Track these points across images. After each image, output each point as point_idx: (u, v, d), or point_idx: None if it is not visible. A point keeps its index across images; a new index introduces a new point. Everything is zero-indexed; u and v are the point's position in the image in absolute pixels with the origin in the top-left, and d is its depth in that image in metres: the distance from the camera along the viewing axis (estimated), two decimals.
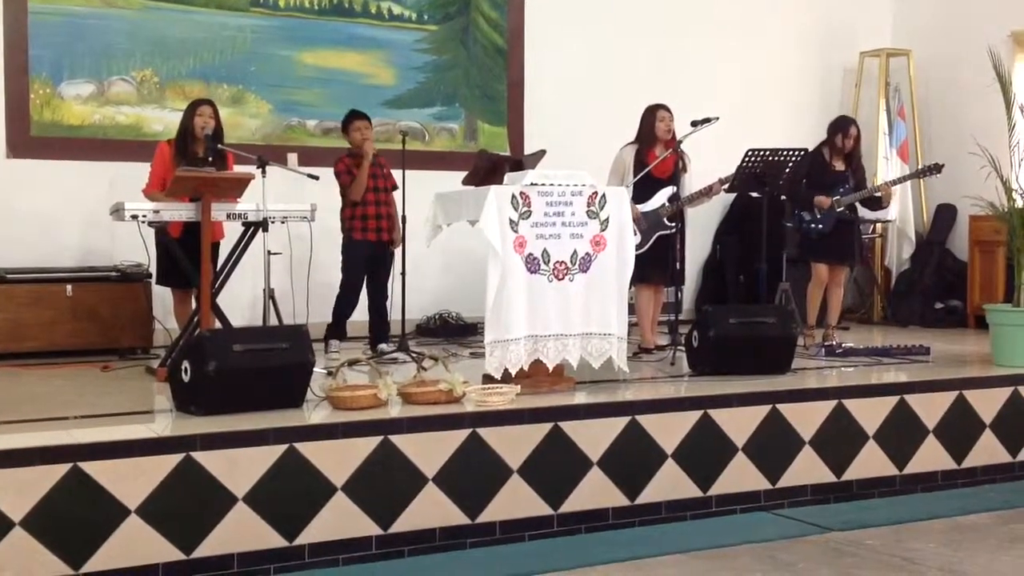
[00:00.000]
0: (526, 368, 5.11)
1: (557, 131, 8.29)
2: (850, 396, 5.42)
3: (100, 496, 3.88)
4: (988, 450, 5.76)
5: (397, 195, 6.96)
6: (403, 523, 4.39)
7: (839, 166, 7.36)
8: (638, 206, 6.65)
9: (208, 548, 4.04)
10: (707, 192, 6.81)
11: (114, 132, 7.54)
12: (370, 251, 6.91)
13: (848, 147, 7.32)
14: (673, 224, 6.71)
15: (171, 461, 4.01)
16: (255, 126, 7.96)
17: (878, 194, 7.30)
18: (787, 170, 6.83)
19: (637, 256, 5.58)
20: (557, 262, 5.19)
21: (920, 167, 8.09)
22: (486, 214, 5.01)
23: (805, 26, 9.98)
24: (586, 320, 5.26)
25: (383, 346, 6.93)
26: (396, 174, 6.95)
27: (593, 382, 5.40)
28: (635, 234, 6.16)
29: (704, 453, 5.03)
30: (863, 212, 7.63)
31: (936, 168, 7.29)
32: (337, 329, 6.95)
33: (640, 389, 5.41)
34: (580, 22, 8.97)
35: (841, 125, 7.38)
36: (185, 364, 4.58)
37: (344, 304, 6.97)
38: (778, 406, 5.22)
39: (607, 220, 5.31)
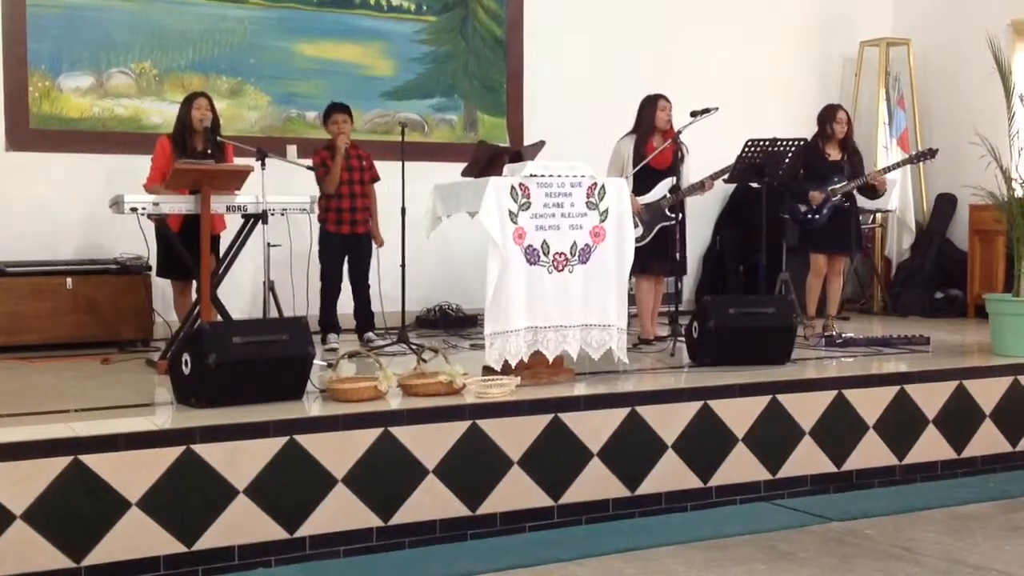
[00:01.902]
0: (526, 360, 5.11)
1: (556, 122, 8.28)
2: (850, 386, 5.43)
3: (101, 489, 3.89)
4: (988, 440, 5.76)
5: (396, 187, 6.94)
6: (404, 515, 4.39)
7: (835, 156, 7.34)
8: (639, 198, 6.64)
9: (209, 540, 4.05)
10: (700, 187, 6.79)
11: (113, 124, 7.53)
12: (344, 242, 6.95)
13: (840, 133, 7.31)
14: (674, 215, 6.71)
15: (172, 454, 4.01)
16: (254, 118, 7.95)
17: (872, 183, 7.30)
18: (787, 160, 6.83)
19: (637, 247, 5.58)
20: (557, 253, 5.19)
21: (914, 152, 8.08)
22: (485, 205, 5.01)
23: (805, 15, 9.96)
24: (586, 311, 5.26)
25: (369, 335, 6.97)
26: (395, 166, 6.92)
27: (593, 373, 5.40)
28: (636, 226, 6.16)
29: (704, 444, 5.03)
30: (862, 202, 7.61)
31: (930, 153, 7.28)
32: (328, 321, 6.97)
33: (640, 380, 5.42)
34: (579, 13, 8.96)
35: (829, 113, 7.38)
36: (185, 356, 4.58)
37: (327, 295, 6.99)
38: (778, 396, 5.22)
39: (606, 211, 5.31)
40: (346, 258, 7.02)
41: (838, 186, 7.19)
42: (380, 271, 7.08)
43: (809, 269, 7.41)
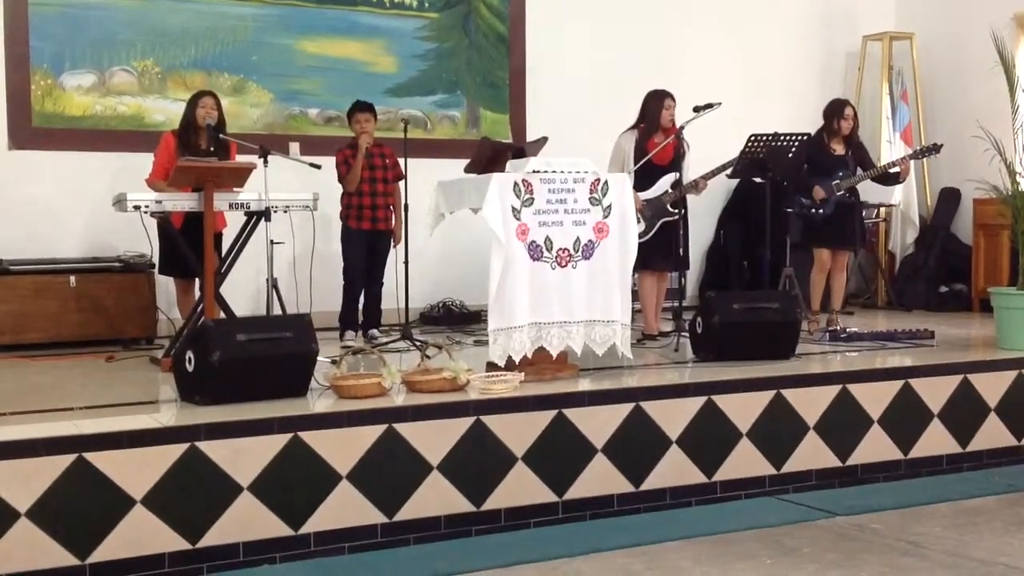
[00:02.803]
0: (530, 356, 5.11)
1: (559, 118, 8.27)
2: (854, 381, 5.42)
3: (105, 486, 3.89)
4: (993, 434, 5.75)
5: (399, 184, 6.97)
6: (408, 511, 4.39)
7: (839, 150, 7.33)
8: (640, 194, 6.63)
9: (214, 537, 4.05)
10: (693, 186, 6.77)
11: (116, 123, 7.53)
12: (367, 239, 6.96)
13: (847, 129, 7.28)
14: (677, 210, 6.70)
15: (176, 451, 4.01)
16: (257, 115, 7.95)
17: (895, 170, 7.27)
18: (790, 155, 6.81)
19: (640, 243, 5.57)
20: (560, 249, 5.18)
21: (918, 148, 8.08)
22: (488, 202, 5.01)
23: (807, 10, 9.95)
24: (589, 307, 5.26)
25: (373, 331, 6.98)
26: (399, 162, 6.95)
27: (597, 369, 5.40)
28: (639, 222, 6.15)
29: (708, 439, 5.03)
30: (866, 197, 7.59)
31: (934, 148, 7.26)
32: (350, 318, 7.00)
33: (644, 375, 5.41)
34: (581, 9, 8.95)
35: (837, 109, 7.34)
36: (189, 354, 4.58)
37: (350, 292, 7.01)
38: (782, 391, 5.21)
39: (609, 207, 5.30)
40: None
41: (844, 181, 7.16)
42: (385, 268, 7.08)
43: (813, 264, 7.40)
